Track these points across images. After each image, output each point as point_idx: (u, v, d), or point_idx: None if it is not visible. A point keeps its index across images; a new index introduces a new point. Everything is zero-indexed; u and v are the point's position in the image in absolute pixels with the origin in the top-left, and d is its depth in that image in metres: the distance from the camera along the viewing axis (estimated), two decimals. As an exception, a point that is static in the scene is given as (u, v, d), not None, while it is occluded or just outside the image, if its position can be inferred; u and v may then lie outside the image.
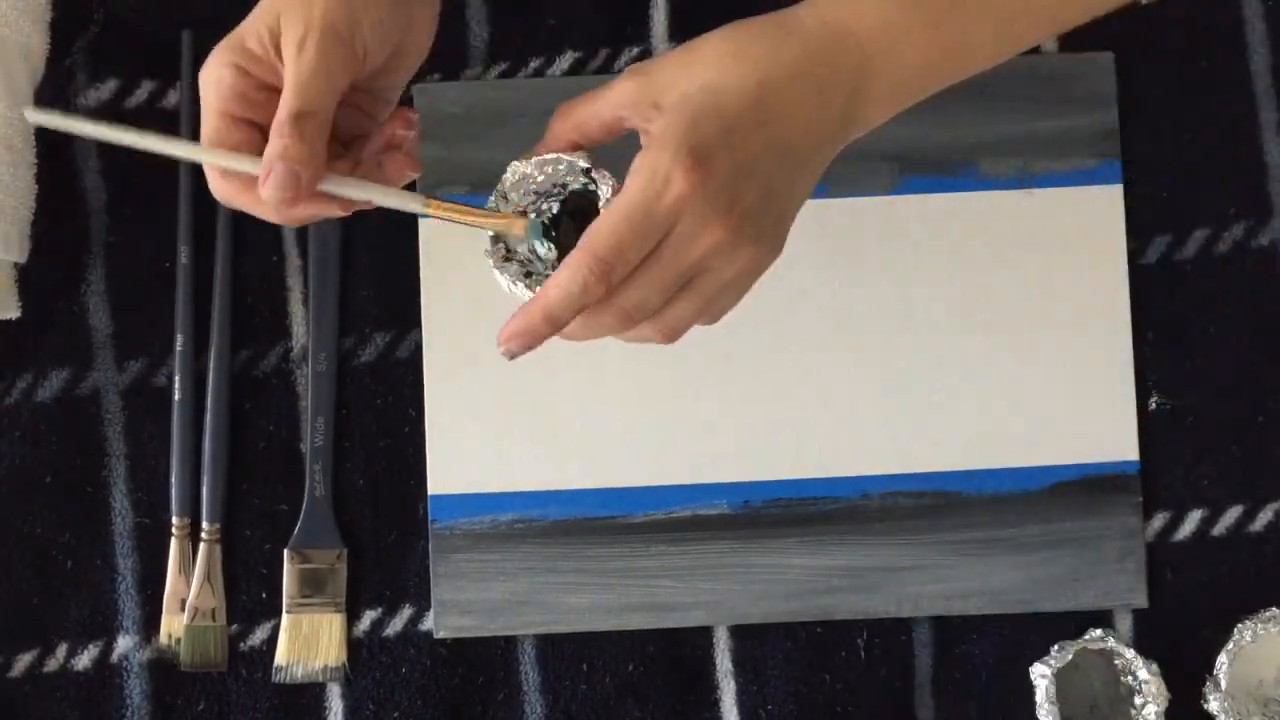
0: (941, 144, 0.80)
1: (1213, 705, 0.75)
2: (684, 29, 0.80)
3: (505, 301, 0.75)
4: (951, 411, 0.79)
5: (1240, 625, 0.75)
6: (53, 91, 0.80)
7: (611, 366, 0.79)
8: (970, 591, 0.78)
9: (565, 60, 0.81)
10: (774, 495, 0.79)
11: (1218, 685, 0.75)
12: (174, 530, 0.79)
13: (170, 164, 0.80)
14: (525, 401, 0.79)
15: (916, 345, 0.79)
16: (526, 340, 0.60)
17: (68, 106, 0.80)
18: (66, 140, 0.80)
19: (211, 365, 0.79)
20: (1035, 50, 0.79)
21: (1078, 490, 0.78)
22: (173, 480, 0.79)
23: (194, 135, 0.79)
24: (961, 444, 0.79)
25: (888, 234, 0.80)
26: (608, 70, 0.81)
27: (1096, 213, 0.79)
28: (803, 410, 0.79)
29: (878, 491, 0.79)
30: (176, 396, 0.79)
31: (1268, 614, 0.75)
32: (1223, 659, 0.75)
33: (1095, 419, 0.79)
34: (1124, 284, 0.79)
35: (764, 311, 0.78)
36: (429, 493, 0.79)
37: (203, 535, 0.79)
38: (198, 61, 0.79)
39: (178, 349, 0.79)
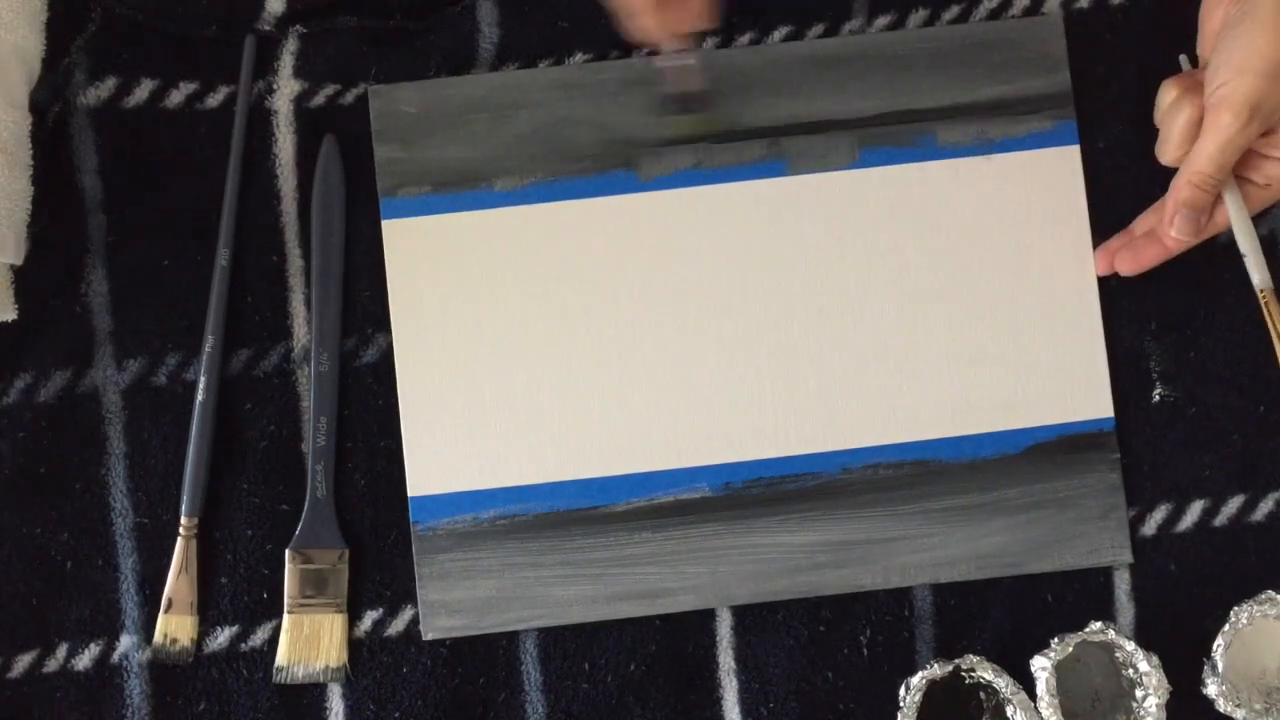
0: (899, 115, 0.80)
1: (1210, 690, 0.75)
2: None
3: (473, 301, 0.79)
4: (927, 380, 0.80)
5: (1236, 608, 0.76)
6: (50, 92, 0.80)
7: (584, 357, 0.80)
8: (957, 558, 0.79)
9: (576, 62, 0.81)
10: (754, 475, 0.79)
11: (1215, 669, 0.75)
12: (181, 530, 0.79)
13: (167, 163, 0.80)
14: (500, 398, 0.79)
15: (888, 317, 0.80)
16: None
17: (67, 106, 0.80)
18: (64, 141, 0.80)
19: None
20: (997, 15, 0.81)
21: (1055, 451, 0.79)
22: (186, 480, 0.79)
23: (246, 138, 0.80)
24: (938, 412, 0.80)
25: (852, 208, 0.80)
26: (610, 71, 0.82)
27: (1056, 174, 0.80)
28: (778, 388, 0.79)
29: (858, 465, 0.79)
30: (200, 397, 0.79)
31: (1264, 597, 0.76)
32: (1219, 642, 0.75)
33: (1069, 379, 0.80)
34: (1087, 243, 0.80)
35: (734, 293, 0.80)
36: (409, 495, 0.79)
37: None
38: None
39: (206, 349, 0.79)
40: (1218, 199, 0.76)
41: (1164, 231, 0.77)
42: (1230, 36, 0.73)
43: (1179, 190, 0.76)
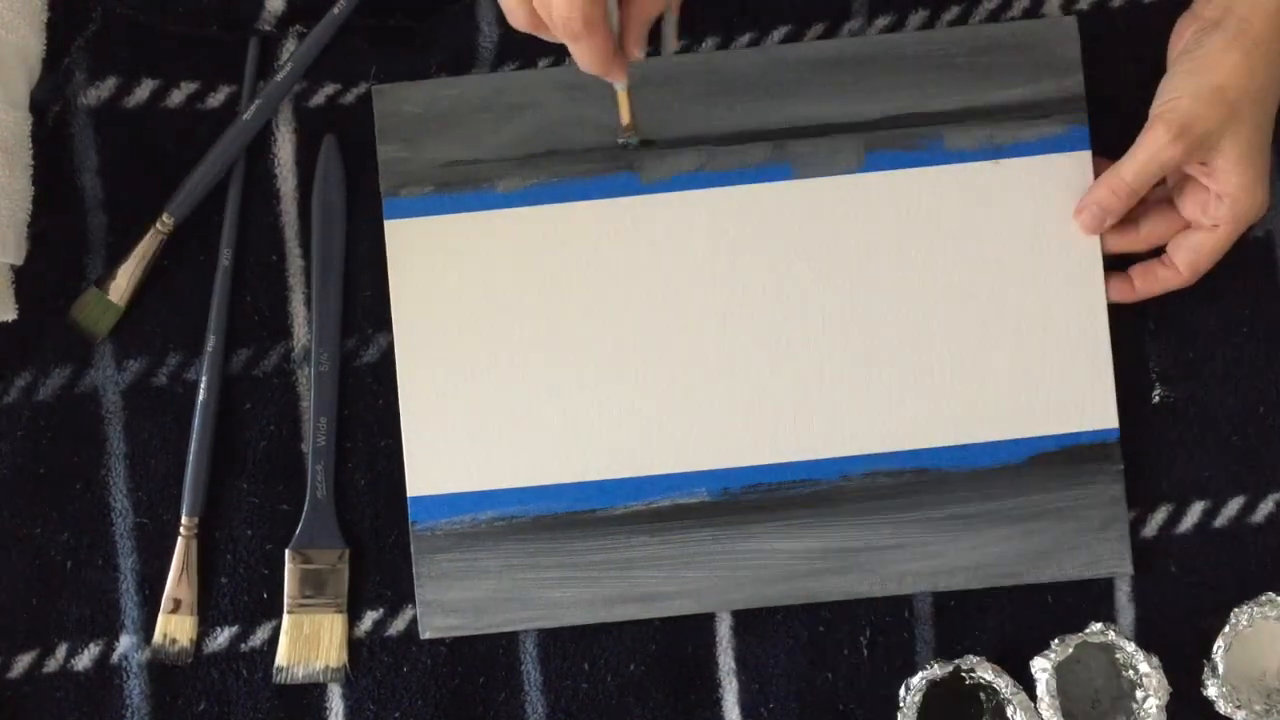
0: (906, 118, 0.80)
1: (1211, 691, 0.76)
2: (693, 30, 0.81)
3: (475, 302, 0.79)
4: (929, 388, 0.79)
5: (1237, 610, 0.76)
6: (51, 91, 0.80)
7: (585, 360, 0.80)
8: (956, 567, 0.79)
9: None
10: (753, 481, 0.79)
11: (1215, 670, 0.76)
12: (181, 530, 0.79)
13: (167, 163, 0.80)
14: (500, 399, 0.79)
15: (891, 323, 0.79)
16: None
17: (67, 106, 0.80)
18: (64, 140, 0.80)
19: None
20: (996, 17, 0.81)
21: (1058, 461, 0.79)
22: (186, 480, 0.79)
23: (248, 140, 0.80)
24: (940, 420, 0.79)
25: (857, 213, 0.80)
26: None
27: (1066, 180, 0.79)
28: (779, 394, 0.79)
29: (857, 472, 0.79)
30: (201, 396, 0.79)
31: (1265, 599, 0.76)
32: (1220, 644, 0.76)
33: (1073, 389, 0.79)
34: (1097, 251, 0.79)
35: (736, 297, 0.80)
36: (408, 495, 0.79)
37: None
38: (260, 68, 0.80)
39: (208, 349, 0.79)
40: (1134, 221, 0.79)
41: (1074, 215, 0.80)
42: (1182, 60, 0.75)
43: (1096, 189, 0.78)
